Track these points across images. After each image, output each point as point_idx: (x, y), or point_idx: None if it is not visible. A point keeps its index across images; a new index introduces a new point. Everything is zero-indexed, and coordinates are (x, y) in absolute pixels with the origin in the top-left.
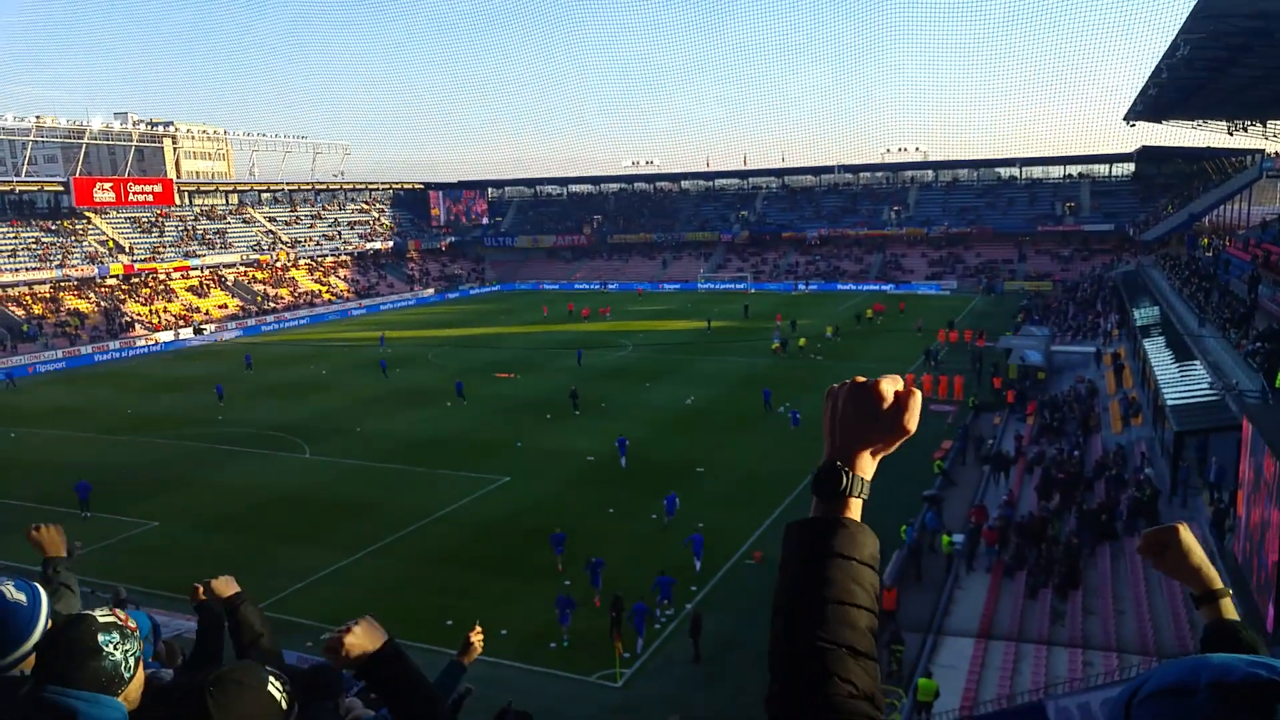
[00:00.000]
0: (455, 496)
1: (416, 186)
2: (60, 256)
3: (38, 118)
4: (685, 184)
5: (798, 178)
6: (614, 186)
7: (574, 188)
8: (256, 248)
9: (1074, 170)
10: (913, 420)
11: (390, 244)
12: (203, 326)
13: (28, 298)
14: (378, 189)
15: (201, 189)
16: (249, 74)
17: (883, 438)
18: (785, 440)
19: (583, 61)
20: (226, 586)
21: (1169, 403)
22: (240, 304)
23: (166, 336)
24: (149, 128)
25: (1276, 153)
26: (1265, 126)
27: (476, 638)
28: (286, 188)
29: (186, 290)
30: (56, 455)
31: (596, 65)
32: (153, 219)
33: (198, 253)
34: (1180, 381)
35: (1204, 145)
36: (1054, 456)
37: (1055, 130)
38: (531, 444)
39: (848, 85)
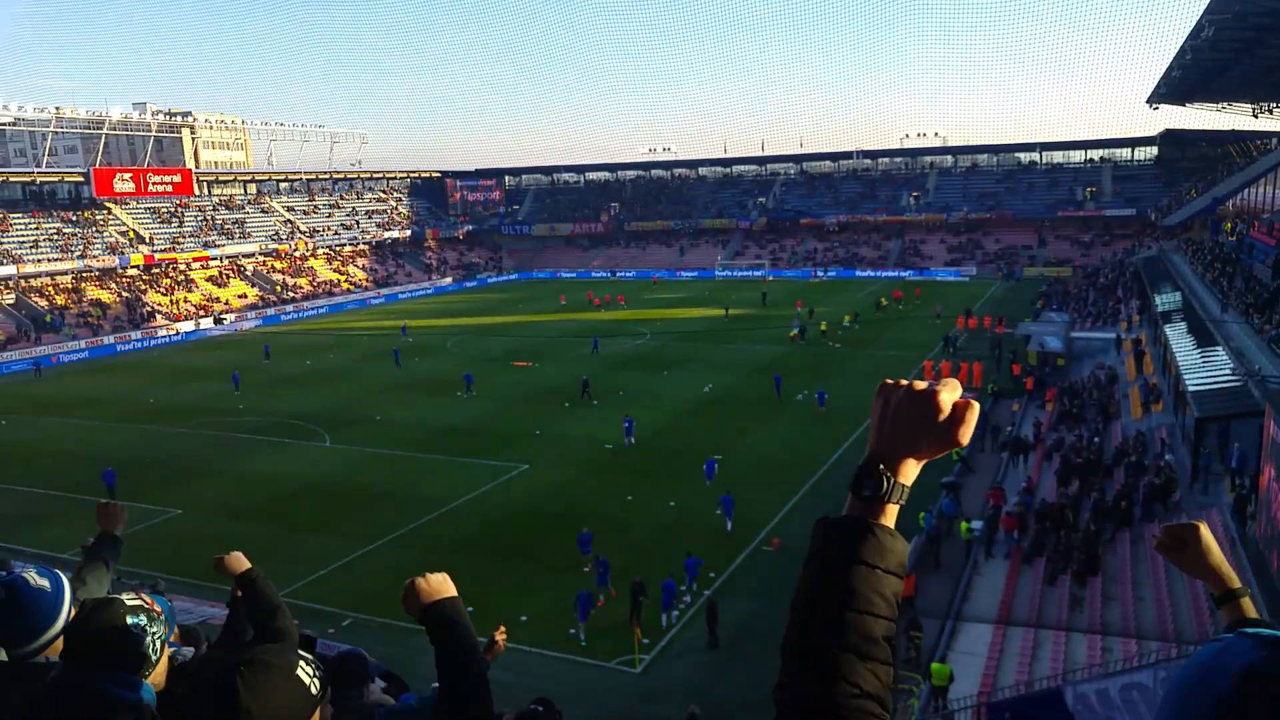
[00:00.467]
0: (475, 485)
1: (434, 175)
2: (81, 247)
3: (57, 108)
4: (703, 171)
5: (816, 164)
6: (631, 174)
7: (591, 175)
8: (275, 237)
9: (1095, 154)
10: (967, 433)
11: (408, 233)
12: (223, 316)
13: (50, 288)
14: (395, 178)
15: (220, 179)
16: (266, 63)
17: (933, 447)
18: (804, 427)
19: (600, 47)
20: (238, 563)
21: (1190, 389)
22: (259, 294)
23: (187, 326)
24: (167, 118)
25: None
26: None
27: (501, 637)
28: (304, 177)
29: (206, 280)
30: (80, 445)
31: (614, 51)
32: (172, 209)
33: (217, 243)
34: (1202, 367)
35: (1228, 128)
36: (1073, 443)
37: (1077, 114)
38: (550, 432)
39: (866, 69)
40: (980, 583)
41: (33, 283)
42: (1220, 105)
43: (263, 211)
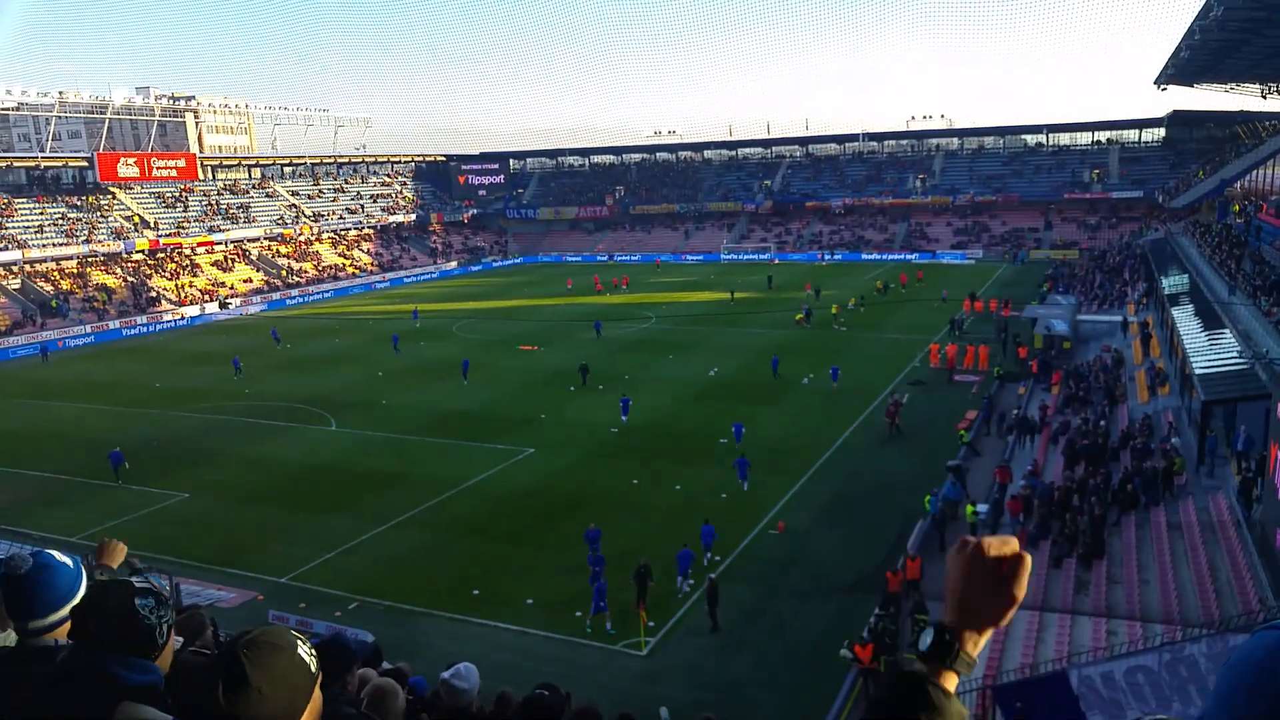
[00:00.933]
0: (480, 468)
1: (439, 159)
2: (86, 232)
3: (60, 93)
4: (708, 154)
5: (822, 146)
6: (636, 157)
7: (596, 158)
8: (280, 221)
9: (1102, 136)
10: (1023, 591)
11: (413, 217)
12: (228, 301)
13: (55, 273)
14: (400, 162)
15: (224, 163)
16: (268, 46)
17: (999, 617)
18: (809, 411)
19: (605, 27)
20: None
21: (1197, 372)
22: (265, 278)
23: (192, 311)
24: (170, 102)
25: None
26: None
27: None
28: (309, 161)
29: (211, 265)
30: (87, 429)
31: (619, 32)
32: (177, 194)
33: (221, 227)
34: (1209, 350)
35: (1237, 109)
36: (1079, 426)
37: (1084, 96)
38: (556, 416)
39: (872, 48)
40: None
41: (38, 267)
42: (1228, 86)
43: (267, 196)
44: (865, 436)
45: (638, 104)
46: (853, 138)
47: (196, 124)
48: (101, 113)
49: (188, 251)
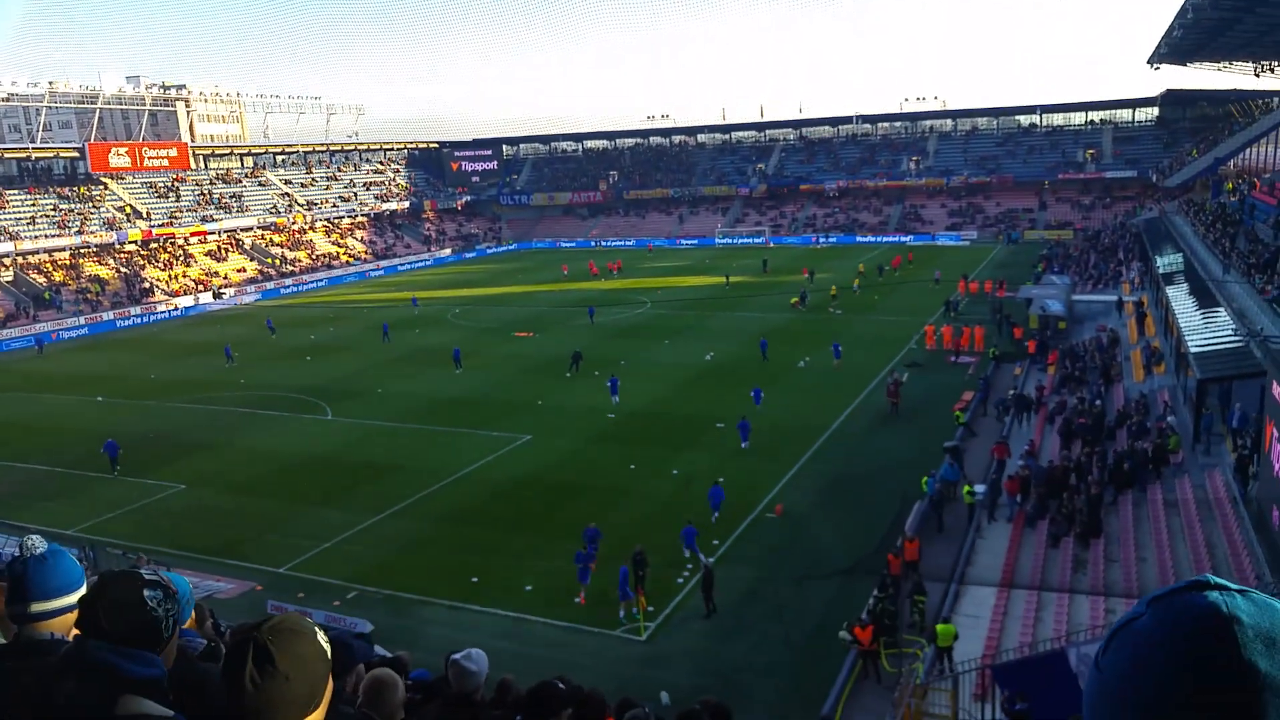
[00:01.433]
0: (478, 455)
1: (432, 146)
2: (79, 223)
3: (50, 83)
4: (701, 138)
5: (815, 129)
6: (630, 141)
7: (589, 143)
8: (273, 210)
9: (1096, 116)
10: None
11: (406, 204)
12: (222, 291)
13: (48, 264)
14: (393, 149)
15: (216, 152)
16: (259, 33)
17: None
18: (806, 394)
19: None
20: None
21: (1192, 350)
22: (259, 267)
23: (186, 301)
24: (161, 91)
25: None
26: None
27: None
28: (301, 149)
29: (205, 255)
30: (83, 421)
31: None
32: (169, 184)
33: (214, 217)
34: (1203, 328)
35: (1230, 88)
36: (1075, 406)
37: (1078, 76)
38: (552, 402)
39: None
40: (983, 546)
41: (30, 259)
42: (1221, 65)
43: (260, 185)
44: (862, 419)
45: (631, 86)
46: (847, 120)
47: (188, 113)
48: (92, 102)
49: (180, 241)
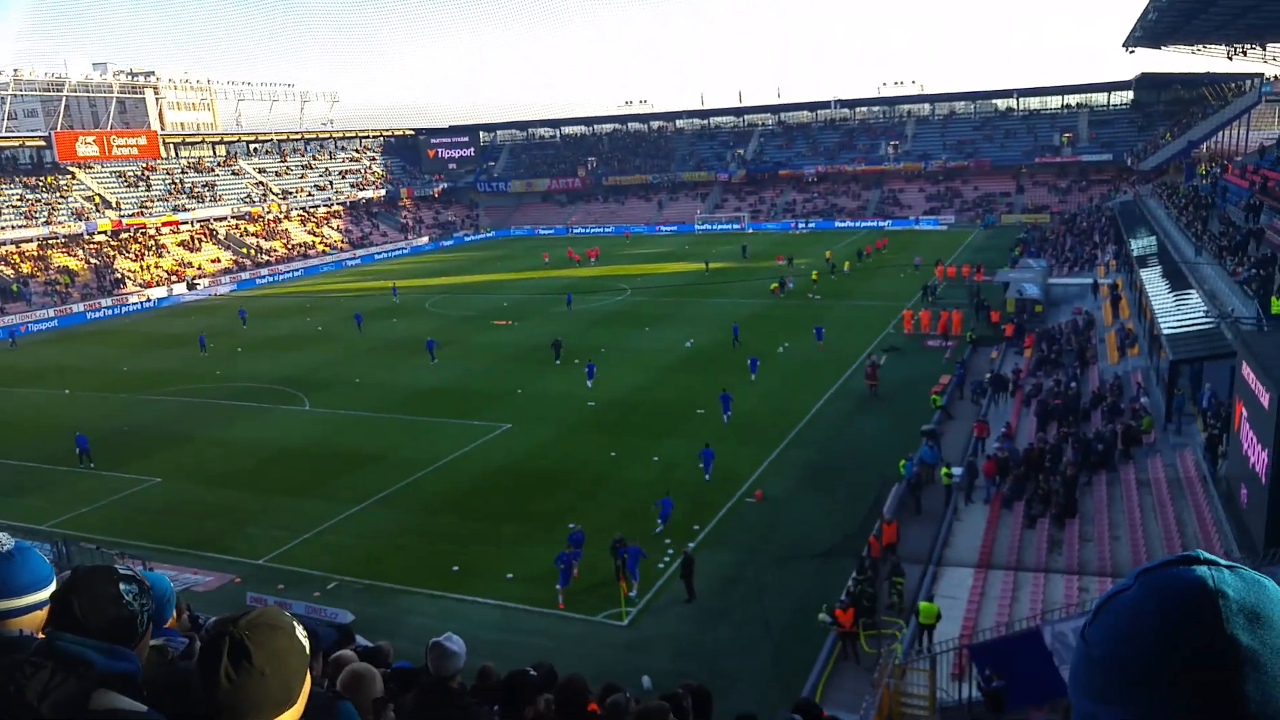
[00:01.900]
0: (457, 445)
1: (407, 133)
2: (46, 213)
3: (15, 70)
4: (680, 123)
5: (794, 114)
6: (608, 127)
7: (567, 129)
8: (247, 200)
9: (1072, 100)
10: None
11: (383, 192)
12: (196, 281)
13: (15, 256)
14: (368, 136)
15: (187, 140)
16: (229, 18)
17: None
18: (785, 380)
19: None
20: None
21: (1164, 332)
22: (233, 257)
23: (160, 293)
24: (129, 78)
25: (1276, 76)
26: (1265, 50)
27: None
28: (275, 137)
29: (177, 245)
30: (54, 415)
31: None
32: (139, 173)
33: (186, 206)
34: (1176, 310)
35: (1203, 71)
36: (1051, 388)
37: (1054, 60)
38: (532, 391)
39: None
40: (960, 528)
41: None
42: (1195, 48)
43: (233, 174)
44: (841, 404)
45: (608, 68)
46: (825, 105)
47: (157, 100)
48: (58, 90)
49: (152, 232)
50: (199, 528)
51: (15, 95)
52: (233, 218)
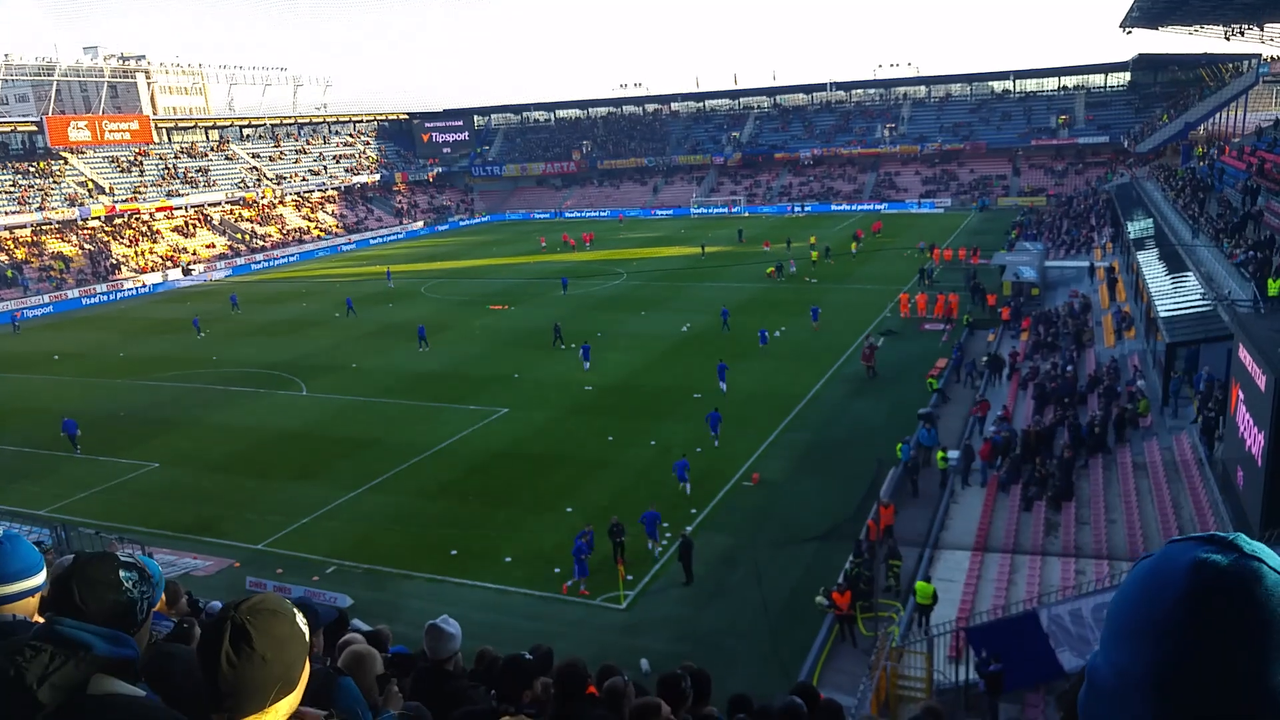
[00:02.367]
0: (455, 429)
1: (402, 117)
2: (39, 199)
3: (5, 55)
4: (675, 106)
5: (790, 96)
6: (602, 111)
7: (562, 113)
8: (241, 185)
9: (1069, 81)
10: None
11: (377, 177)
12: (191, 267)
13: (9, 242)
14: (362, 121)
15: (180, 125)
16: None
17: None
18: (782, 363)
19: None
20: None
21: (1161, 314)
22: (228, 243)
23: (155, 279)
24: (120, 62)
25: (1274, 57)
26: (1263, 30)
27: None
28: (269, 122)
29: (172, 230)
30: (51, 401)
31: None
32: (132, 158)
33: (180, 191)
34: (1173, 293)
35: (1200, 51)
36: (1048, 371)
37: (1050, 40)
38: (529, 375)
39: None
40: (957, 511)
41: None
42: (1193, 28)
43: (226, 159)
44: (838, 387)
45: (603, 50)
46: (820, 87)
47: (149, 84)
48: (49, 74)
49: (146, 217)
50: (197, 513)
51: (6, 80)
52: (227, 203)
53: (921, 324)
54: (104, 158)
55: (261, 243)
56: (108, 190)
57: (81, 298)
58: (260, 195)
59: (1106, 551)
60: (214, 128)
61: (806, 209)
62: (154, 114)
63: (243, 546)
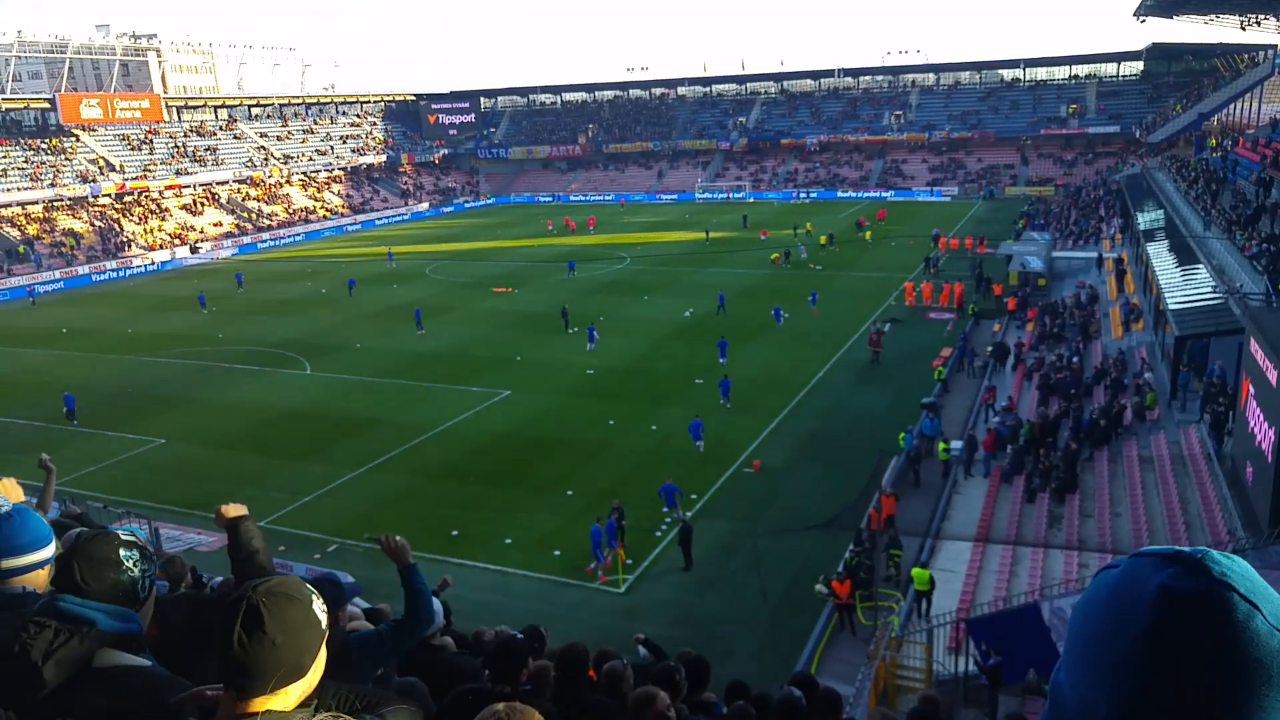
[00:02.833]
0: (457, 411)
1: (408, 98)
2: (51, 176)
3: (19, 32)
4: (682, 90)
5: (797, 82)
6: (609, 94)
7: (568, 96)
8: (249, 164)
9: (1080, 70)
10: None
11: (383, 158)
12: (198, 245)
13: (22, 218)
14: (369, 102)
15: (190, 104)
16: None
17: None
18: (785, 350)
19: None
20: (232, 510)
21: (1170, 307)
22: (235, 221)
23: (163, 256)
24: (132, 40)
25: None
26: (1279, 20)
27: (390, 540)
28: (277, 101)
29: (180, 208)
30: (62, 376)
31: None
32: (142, 136)
33: (189, 170)
34: (1183, 285)
35: (1215, 41)
36: (1053, 362)
37: (1061, 28)
38: (531, 358)
39: None
40: (959, 501)
41: (3, 213)
42: (1208, 18)
43: (235, 138)
44: (841, 375)
45: (610, 34)
46: (828, 73)
47: (160, 63)
48: (61, 52)
49: (155, 195)
50: (201, 489)
51: (19, 57)
52: (234, 182)
53: (926, 313)
54: (115, 135)
55: (268, 221)
56: (118, 168)
57: (91, 274)
58: (267, 174)
59: (1111, 545)
60: (223, 107)
61: (812, 195)
62: (164, 92)
63: None
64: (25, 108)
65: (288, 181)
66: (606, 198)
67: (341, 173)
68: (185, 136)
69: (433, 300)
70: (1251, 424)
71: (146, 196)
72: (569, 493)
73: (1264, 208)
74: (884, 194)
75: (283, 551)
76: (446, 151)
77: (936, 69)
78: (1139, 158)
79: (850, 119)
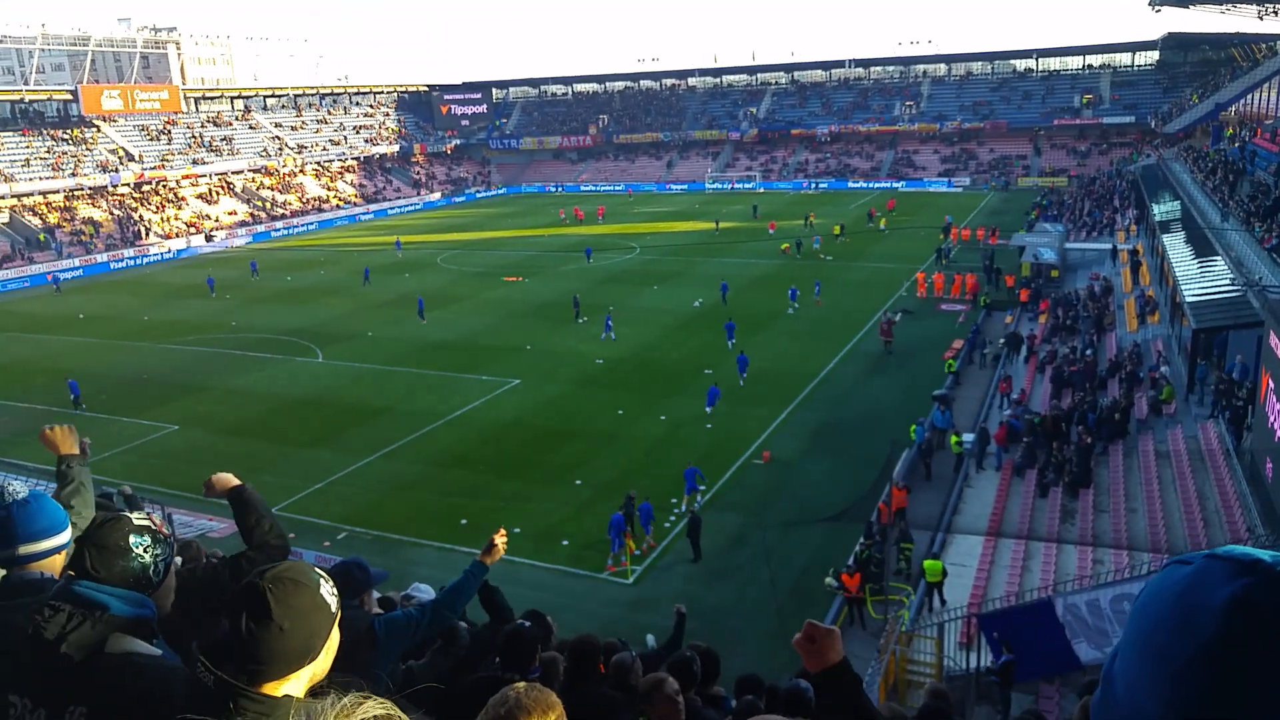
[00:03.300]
0: (467, 399)
1: (421, 89)
2: (72, 165)
3: (43, 25)
4: (692, 81)
5: (808, 72)
6: (620, 85)
7: (579, 87)
8: (264, 154)
9: (1094, 60)
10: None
11: (396, 148)
12: (213, 233)
13: (43, 206)
14: (382, 92)
15: (207, 95)
16: None
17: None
18: (795, 341)
19: None
20: (226, 481)
21: (1187, 299)
22: (249, 210)
23: (179, 244)
24: (153, 33)
25: None
26: None
27: (500, 540)
28: (291, 92)
29: (196, 197)
30: (79, 362)
31: None
32: (160, 126)
33: (206, 159)
34: (1200, 278)
35: (1232, 31)
36: (1066, 354)
37: (1075, 18)
38: (541, 347)
39: None
40: (971, 495)
41: (25, 202)
42: (1225, 7)
43: (250, 128)
44: (852, 366)
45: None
46: (839, 64)
47: (179, 55)
48: (84, 45)
49: (173, 184)
50: (213, 474)
51: (43, 49)
52: (249, 171)
53: (938, 304)
54: (134, 126)
55: (282, 210)
56: (137, 158)
57: (110, 262)
58: (281, 164)
59: (1126, 541)
60: (239, 97)
61: (822, 186)
62: (184, 84)
63: None
64: (48, 99)
65: (301, 171)
66: (617, 188)
67: (355, 162)
68: (202, 127)
69: (444, 289)
70: (1271, 419)
71: (164, 185)
72: (578, 482)
73: None
74: (895, 184)
75: (292, 539)
76: (458, 142)
77: (948, 59)
78: (1154, 148)
79: (861, 109)
